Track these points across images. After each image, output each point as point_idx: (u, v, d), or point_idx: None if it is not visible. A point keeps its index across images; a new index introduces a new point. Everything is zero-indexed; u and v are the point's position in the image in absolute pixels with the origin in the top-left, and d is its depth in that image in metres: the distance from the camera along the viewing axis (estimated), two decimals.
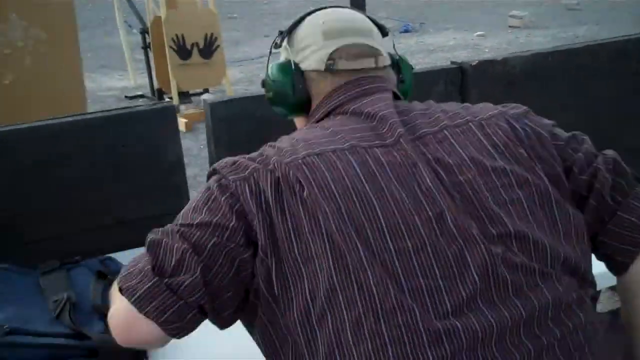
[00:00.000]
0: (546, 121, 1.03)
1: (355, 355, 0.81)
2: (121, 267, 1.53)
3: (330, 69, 1.09)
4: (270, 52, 1.22)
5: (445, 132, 0.96)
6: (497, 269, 0.85)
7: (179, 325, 0.89)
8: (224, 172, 0.93)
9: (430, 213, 0.87)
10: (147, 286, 0.88)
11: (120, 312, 0.91)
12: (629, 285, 0.99)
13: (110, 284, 1.46)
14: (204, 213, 0.90)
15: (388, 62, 1.14)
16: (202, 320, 0.91)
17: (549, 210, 0.92)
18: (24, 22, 2.36)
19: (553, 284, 0.88)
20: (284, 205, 0.87)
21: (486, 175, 0.91)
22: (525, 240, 0.88)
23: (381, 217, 0.86)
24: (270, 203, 0.88)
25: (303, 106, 1.14)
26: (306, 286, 0.85)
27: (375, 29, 1.15)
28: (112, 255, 1.61)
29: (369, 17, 1.17)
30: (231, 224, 0.88)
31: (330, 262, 0.84)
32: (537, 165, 0.94)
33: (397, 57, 1.20)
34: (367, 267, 0.83)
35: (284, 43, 1.17)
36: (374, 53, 1.11)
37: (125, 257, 1.55)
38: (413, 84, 1.22)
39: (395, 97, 1.08)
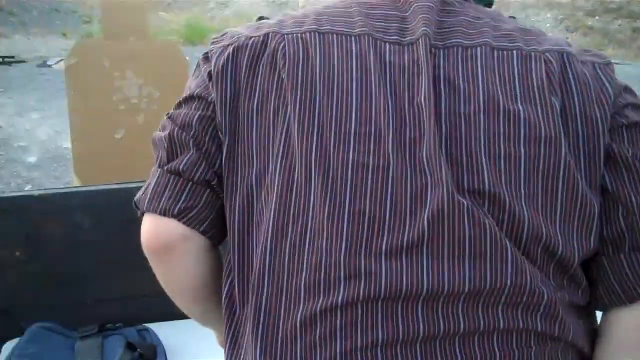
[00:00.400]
0: (620, 82, 0.82)
1: (268, 270, 0.77)
2: (155, 338, 1.55)
3: None
4: None
5: (478, 50, 0.79)
6: (458, 220, 0.72)
7: (197, 210, 0.83)
8: (212, 41, 0.88)
9: (407, 135, 0.75)
10: (153, 182, 0.85)
11: (143, 226, 0.87)
12: (604, 329, 0.84)
13: (139, 357, 1.48)
14: (190, 87, 0.87)
15: None
16: (219, 203, 0.85)
17: (552, 182, 0.75)
18: (139, 80, 2.52)
19: (521, 266, 0.73)
20: (256, 80, 0.81)
21: (494, 115, 0.76)
22: (500, 206, 0.74)
23: (352, 122, 0.77)
24: (242, 76, 0.82)
25: None
26: (253, 176, 0.79)
27: None
28: (151, 325, 1.61)
29: None
30: (210, 94, 0.83)
31: (279, 159, 0.77)
32: (565, 124, 0.77)
33: None
34: (313, 176, 0.76)
35: None
36: None
37: (164, 328, 1.58)
38: None
39: None
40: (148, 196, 0.85)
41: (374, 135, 0.76)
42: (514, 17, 0.90)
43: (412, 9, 0.83)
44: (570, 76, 0.79)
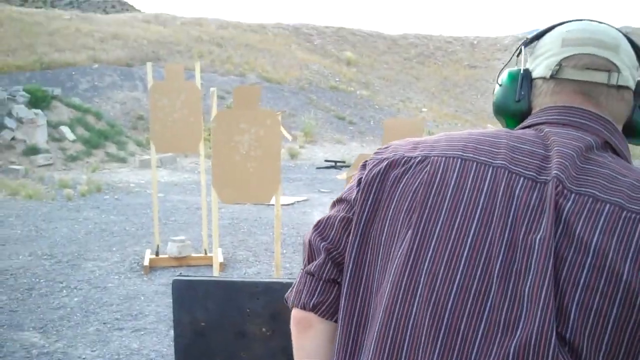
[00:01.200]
0: None
1: None
2: None
3: (554, 75, 0.99)
4: (510, 59, 1.13)
5: (607, 206, 0.81)
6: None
7: (328, 304, 0.99)
8: (375, 151, 1.01)
9: (514, 267, 0.82)
10: (297, 282, 1.03)
11: (292, 315, 1.04)
12: None
13: None
14: (344, 191, 1.02)
15: (627, 83, 0.98)
16: None
17: (635, 347, 0.79)
18: (251, 128, 3.97)
19: None
20: (397, 191, 0.92)
21: (597, 271, 0.79)
22: (577, 356, 0.78)
23: (467, 247, 0.85)
24: (387, 186, 0.93)
25: (522, 118, 1.04)
26: (364, 276, 0.94)
27: (626, 47, 1.00)
28: None
29: (629, 39, 1.03)
30: (353, 197, 0.97)
31: (394, 269, 0.89)
32: None
33: None
34: (419, 291, 0.85)
35: (525, 49, 1.09)
36: (609, 67, 0.97)
37: None
38: None
39: (611, 149, 0.94)
40: (293, 294, 1.03)
41: (483, 262, 0.83)
42: None
43: (553, 150, 0.89)
44: None
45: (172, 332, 1.80)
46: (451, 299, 0.83)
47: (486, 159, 0.90)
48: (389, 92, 21.53)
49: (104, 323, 4.41)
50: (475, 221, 0.85)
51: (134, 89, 16.05)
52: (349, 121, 18.05)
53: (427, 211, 0.88)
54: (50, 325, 4.35)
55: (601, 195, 0.83)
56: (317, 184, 11.08)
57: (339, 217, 0.98)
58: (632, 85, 1.00)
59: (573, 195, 0.83)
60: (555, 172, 0.85)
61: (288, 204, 8.65)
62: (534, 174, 0.87)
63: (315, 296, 1.00)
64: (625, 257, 0.78)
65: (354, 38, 25.66)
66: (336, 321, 0.99)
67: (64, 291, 5.08)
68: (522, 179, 0.86)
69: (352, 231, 0.95)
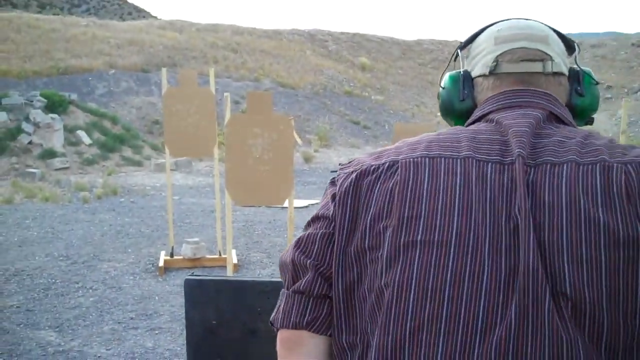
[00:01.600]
0: None
1: None
2: None
3: (492, 72, 1.05)
4: (449, 64, 1.19)
5: (565, 166, 0.88)
6: (540, 329, 0.81)
7: (321, 320, 0.97)
8: (340, 167, 1.03)
9: (503, 244, 0.86)
10: (283, 303, 1.00)
11: (278, 336, 1.01)
12: None
13: None
14: (317, 210, 1.02)
15: (560, 69, 1.05)
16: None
17: (632, 281, 0.82)
18: (264, 133, 4.00)
19: None
20: (373, 198, 0.94)
21: (576, 224, 0.84)
22: (582, 311, 0.82)
23: (453, 235, 0.87)
24: (362, 195, 0.95)
25: (469, 116, 1.09)
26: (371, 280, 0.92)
27: (554, 38, 1.08)
28: None
29: (555, 30, 1.10)
30: (331, 212, 0.98)
31: (384, 268, 0.90)
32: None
33: (578, 69, 1.09)
34: (413, 285, 0.87)
35: (461, 53, 1.15)
36: (541, 57, 1.04)
37: None
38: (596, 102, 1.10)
39: (556, 119, 1.00)
40: (280, 316, 0.99)
41: (472, 247, 0.86)
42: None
43: (509, 133, 0.94)
44: None
45: (185, 331, 1.84)
46: (447, 287, 0.86)
47: (452, 153, 0.94)
48: (404, 97, 21.53)
49: (119, 322, 4.47)
50: (457, 210, 0.89)
51: (150, 94, 16.21)
52: (363, 125, 18.07)
53: (406, 210, 0.91)
54: (66, 324, 4.42)
55: (556, 160, 0.89)
56: None
57: (319, 234, 0.99)
58: (566, 71, 1.07)
59: (533, 168, 0.89)
60: (517, 150, 0.90)
61: (302, 207, 8.69)
62: (499, 158, 0.91)
63: (308, 314, 0.98)
64: (595, 202, 0.84)
65: (369, 44, 25.71)
66: (330, 335, 0.98)
67: (80, 291, 5.15)
68: (489, 164, 0.91)
69: (335, 244, 0.96)
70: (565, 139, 0.93)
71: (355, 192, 0.96)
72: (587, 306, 0.81)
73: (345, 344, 0.96)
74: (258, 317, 1.89)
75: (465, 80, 1.09)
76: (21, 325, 4.38)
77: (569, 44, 1.12)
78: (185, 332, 1.89)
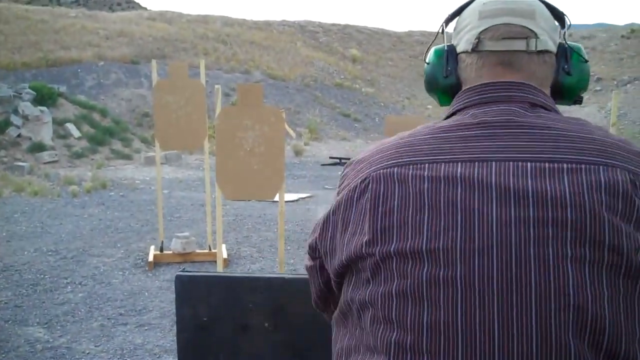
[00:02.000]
0: None
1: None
2: None
3: (474, 49, 1.01)
4: (435, 37, 1.15)
5: (548, 164, 0.87)
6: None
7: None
8: (343, 165, 1.18)
9: (475, 244, 0.85)
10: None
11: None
12: None
13: None
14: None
15: (546, 47, 1.00)
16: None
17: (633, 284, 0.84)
18: (254, 133, 3.96)
19: None
20: (351, 216, 0.97)
21: (523, 224, 0.85)
22: (583, 312, 0.82)
23: (424, 239, 0.88)
24: (341, 215, 0.99)
25: (454, 92, 1.06)
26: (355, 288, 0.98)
27: (542, 12, 1.02)
28: None
29: (546, 3, 1.05)
30: (312, 242, 1.10)
31: (367, 280, 0.94)
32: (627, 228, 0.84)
33: (567, 46, 1.04)
34: (394, 292, 0.89)
35: (446, 27, 1.11)
36: (526, 34, 0.98)
37: None
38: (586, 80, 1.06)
39: (541, 108, 0.97)
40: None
41: (443, 250, 0.85)
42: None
43: (487, 129, 0.93)
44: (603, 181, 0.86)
45: (175, 328, 1.82)
46: (424, 295, 0.87)
47: (421, 159, 0.92)
48: (394, 89, 21.52)
49: (108, 318, 4.43)
50: (426, 214, 0.88)
51: (139, 86, 16.09)
52: (354, 118, 18.05)
53: (379, 221, 0.91)
54: (55, 320, 4.37)
55: (532, 156, 0.88)
56: (322, 181, 11.09)
57: (308, 267, 1.15)
58: (553, 48, 1.01)
59: (508, 164, 0.88)
60: (497, 145, 0.90)
61: (292, 201, 8.67)
62: (474, 156, 0.90)
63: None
64: (581, 194, 0.84)
65: (360, 35, 25.64)
66: None
67: (69, 287, 5.10)
68: (459, 163, 0.90)
69: (325, 273, 1.08)
70: (546, 130, 0.92)
71: (338, 213, 1.01)
72: (589, 309, 0.82)
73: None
74: (250, 314, 1.87)
75: (450, 56, 1.05)
76: (9, 322, 4.33)
77: (560, 17, 1.06)
78: (175, 328, 1.86)
